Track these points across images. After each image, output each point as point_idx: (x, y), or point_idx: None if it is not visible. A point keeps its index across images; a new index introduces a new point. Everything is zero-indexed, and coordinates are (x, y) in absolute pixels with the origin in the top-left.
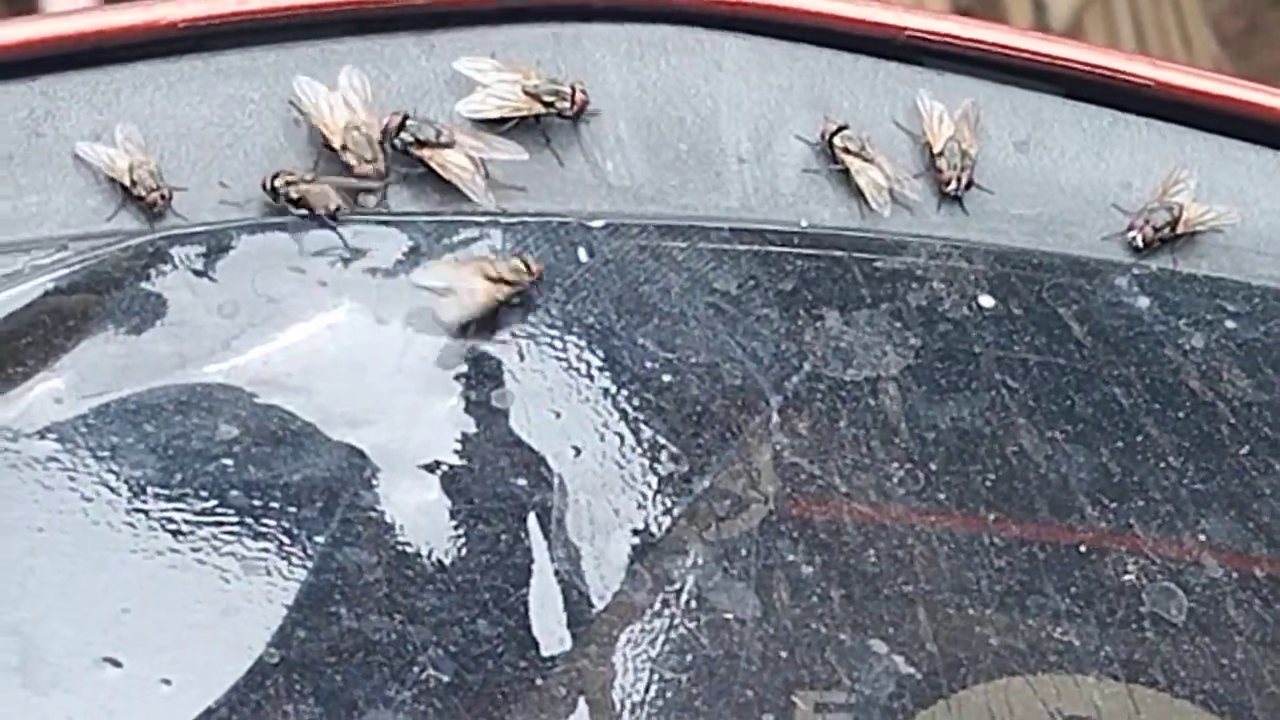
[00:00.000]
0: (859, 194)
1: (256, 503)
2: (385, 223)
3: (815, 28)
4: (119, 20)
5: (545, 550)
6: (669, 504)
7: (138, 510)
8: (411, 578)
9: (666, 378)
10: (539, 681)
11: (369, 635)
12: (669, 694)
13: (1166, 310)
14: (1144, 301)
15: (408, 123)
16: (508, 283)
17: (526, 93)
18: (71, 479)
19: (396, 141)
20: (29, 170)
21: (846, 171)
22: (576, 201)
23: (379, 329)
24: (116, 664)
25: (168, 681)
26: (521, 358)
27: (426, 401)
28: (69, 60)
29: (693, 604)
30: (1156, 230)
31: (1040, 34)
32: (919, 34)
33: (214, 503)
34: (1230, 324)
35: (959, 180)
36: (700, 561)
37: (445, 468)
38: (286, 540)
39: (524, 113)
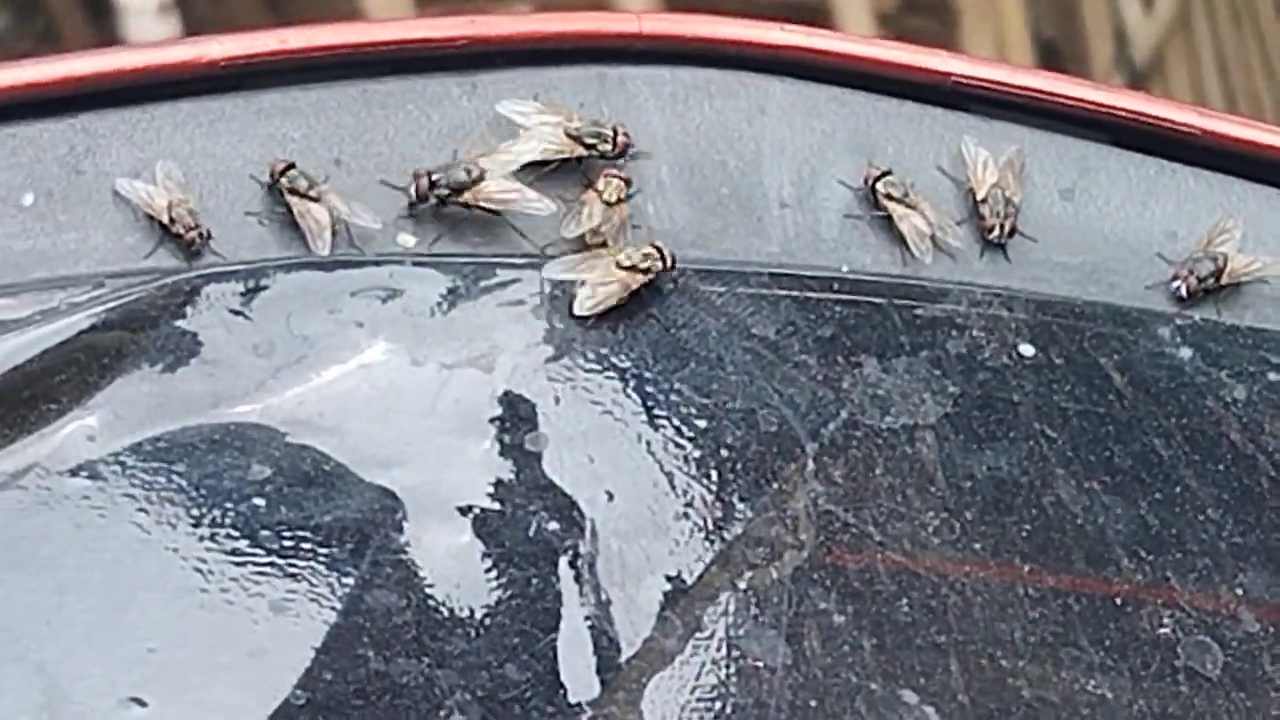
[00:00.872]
0: (901, 240)
1: (286, 543)
2: (421, 263)
3: (860, 72)
4: (160, 58)
5: (575, 595)
6: (701, 550)
7: (167, 549)
8: (440, 621)
9: (701, 423)
10: None
11: (396, 678)
12: None
13: (1209, 361)
14: (1186, 352)
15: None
16: (641, 270)
17: (568, 135)
18: (102, 517)
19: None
20: (68, 207)
21: (889, 218)
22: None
23: (414, 370)
24: (142, 704)
25: None
26: (557, 401)
27: (460, 444)
28: (110, 97)
29: (723, 651)
30: (1201, 280)
31: (1088, 81)
32: (965, 80)
33: (244, 543)
34: (1273, 376)
35: (1002, 228)
36: (732, 608)
37: (477, 511)
38: (315, 582)
39: (565, 155)
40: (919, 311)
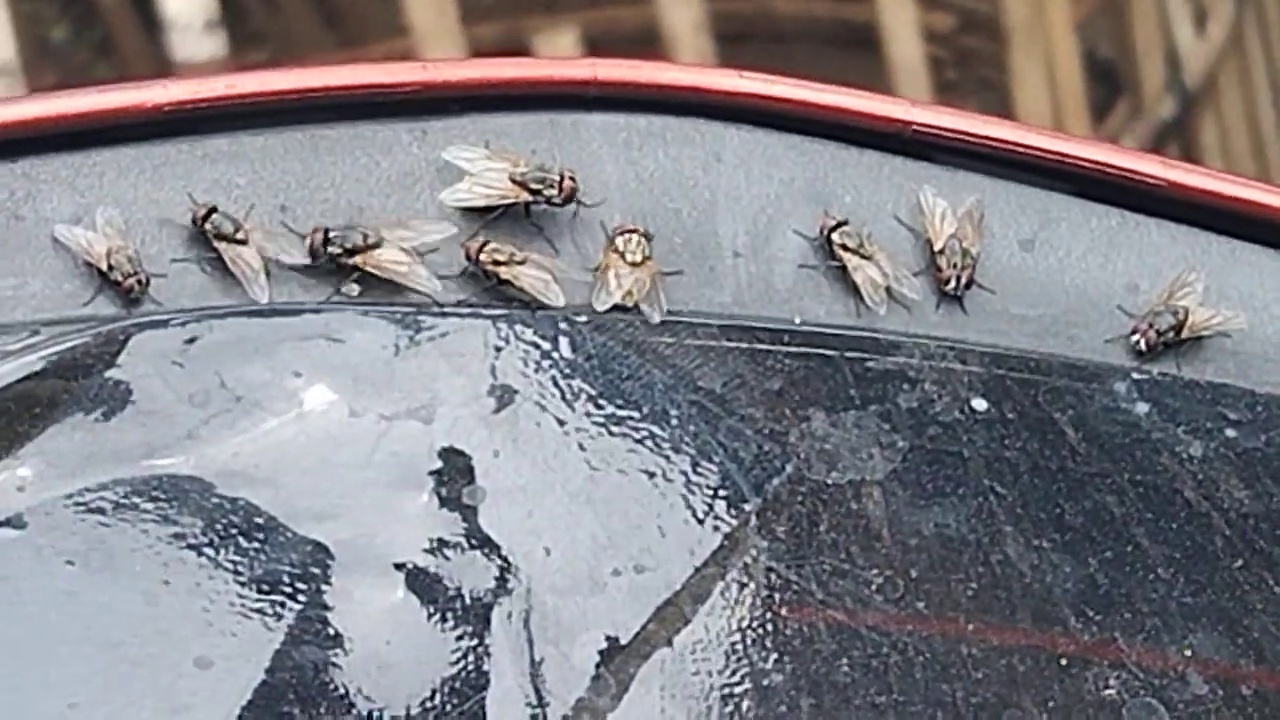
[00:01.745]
0: (855, 291)
1: (214, 597)
2: (364, 313)
3: (819, 120)
4: (103, 102)
5: (508, 653)
6: (639, 607)
7: (92, 602)
8: (369, 679)
9: (643, 478)
10: None
11: None
12: None
13: (1165, 417)
14: (1143, 407)
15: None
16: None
17: (514, 180)
18: (27, 569)
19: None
20: (6, 254)
21: (844, 268)
22: (564, 294)
23: (352, 421)
24: None
25: None
26: (496, 455)
27: (396, 497)
28: (52, 142)
29: (657, 711)
30: (1160, 334)
31: (1051, 132)
32: (926, 129)
33: (171, 596)
34: (1230, 432)
35: (958, 279)
36: (667, 667)
37: (410, 566)
38: (242, 636)
39: (510, 200)
40: (870, 364)
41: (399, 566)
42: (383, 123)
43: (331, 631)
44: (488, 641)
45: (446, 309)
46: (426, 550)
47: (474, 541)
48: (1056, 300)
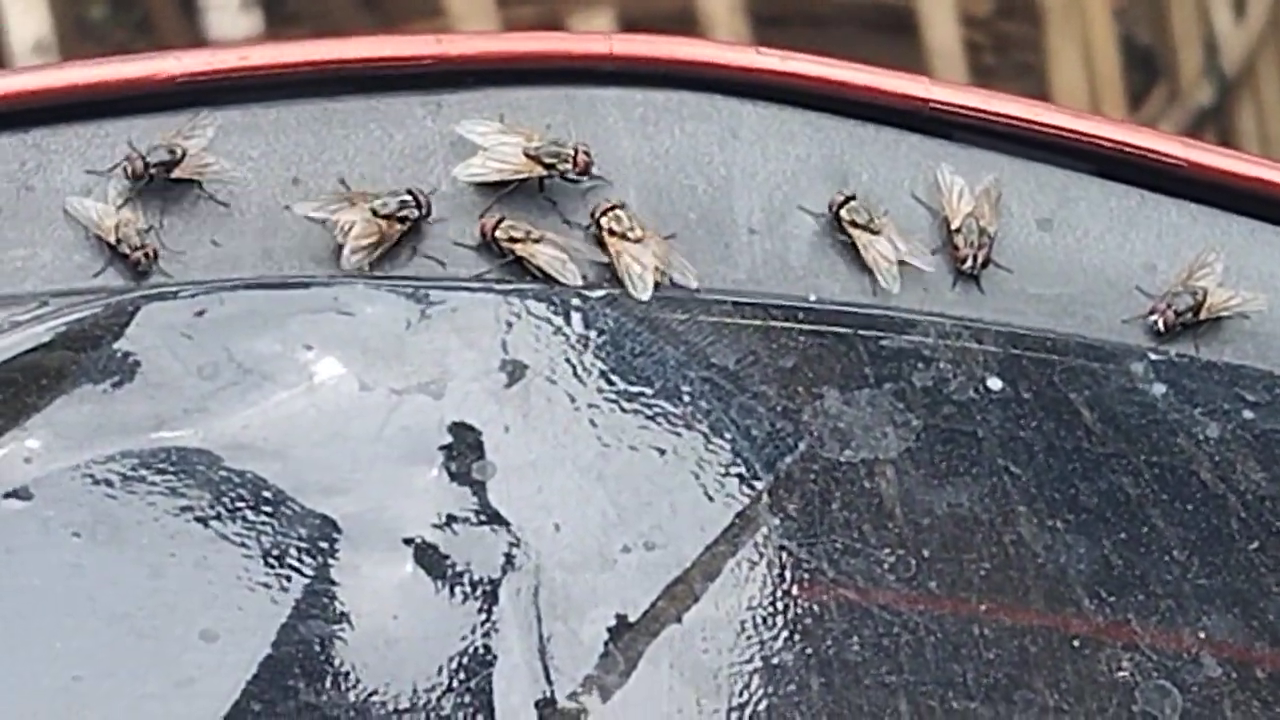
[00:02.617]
0: (868, 269)
1: (221, 570)
2: (376, 287)
3: (837, 97)
4: (115, 73)
5: (516, 629)
6: (648, 584)
7: (98, 574)
8: (375, 653)
9: (654, 454)
10: None
11: (326, 711)
12: None
13: (1182, 398)
14: (1159, 388)
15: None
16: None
17: (527, 155)
18: (33, 541)
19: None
20: (17, 224)
21: (855, 245)
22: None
23: (362, 395)
24: None
25: None
26: (506, 430)
27: (406, 471)
28: (63, 113)
29: (665, 688)
30: (1179, 315)
31: (1070, 110)
32: (944, 106)
33: (177, 569)
34: (1248, 414)
35: (975, 258)
36: (676, 645)
37: (419, 540)
38: (248, 610)
39: (524, 175)
40: (885, 343)
41: (408, 541)
42: (396, 96)
43: (338, 606)
44: (496, 618)
45: (458, 283)
46: (435, 525)
47: (483, 517)
48: (1074, 280)
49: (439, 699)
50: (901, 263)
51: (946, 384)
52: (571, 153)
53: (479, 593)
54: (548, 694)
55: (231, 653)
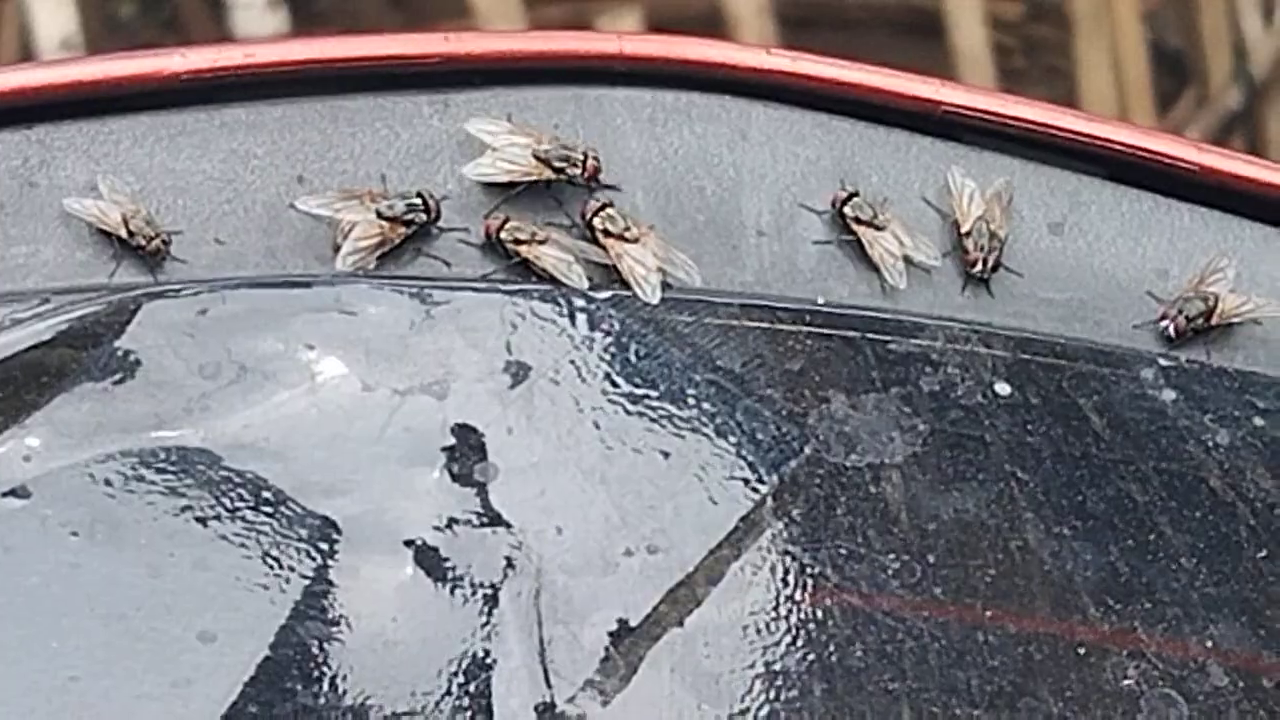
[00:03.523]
0: (874, 268)
1: (219, 571)
2: (379, 286)
3: (847, 99)
4: (119, 70)
5: (516, 632)
6: (650, 589)
7: (96, 574)
8: (374, 656)
9: (658, 457)
10: None
11: (324, 713)
12: None
13: (1192, 404)
14: (1169, 394)
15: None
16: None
17: (537, 157)
18: (31, 539)
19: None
20: (19, 221)
21: (860, 243)
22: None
23: (364, 396)
24: None
25: None
26: (509, 431)
27: (407, 473)
28: (67, 109)
29: (666, 694)
30: (1190, 320)
31: (1083, 114)
32: (956, 109)
33: (175, 569)
34: (1259, 421)
35: (985, 262)
36: (678, 650)
37: (420, 542)
38: (246, 611)
39: (533, 177)
40: (893, 346)
41: (408, 543)
42: (404, 94)
43: (338, 608)
44: (496, 620)
45: (462, 283)
46: (436, 527)
47: (485, 519)
48: (1084, 284)
49: (438, 702)
50: (907, 259)
51: (954, 388)
52: (581, 158)
53: (479, 595)
54: (548, 698)
55: (229, 654)
